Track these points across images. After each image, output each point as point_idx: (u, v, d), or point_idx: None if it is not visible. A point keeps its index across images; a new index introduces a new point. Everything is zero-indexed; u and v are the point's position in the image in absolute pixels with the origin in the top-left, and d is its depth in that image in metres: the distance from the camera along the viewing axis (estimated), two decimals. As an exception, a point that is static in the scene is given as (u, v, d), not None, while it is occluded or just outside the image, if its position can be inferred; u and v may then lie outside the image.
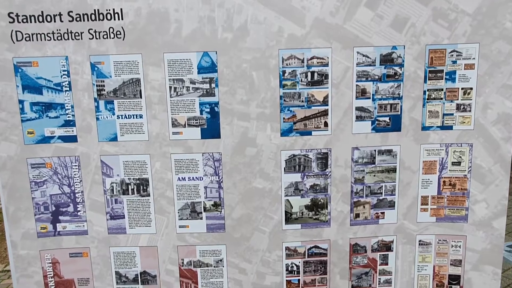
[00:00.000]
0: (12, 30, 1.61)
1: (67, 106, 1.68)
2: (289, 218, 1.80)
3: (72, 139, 1.71)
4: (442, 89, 1.71)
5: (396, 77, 1.69)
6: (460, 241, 1.82)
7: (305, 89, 1.69)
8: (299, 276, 1.85)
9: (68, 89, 1.67)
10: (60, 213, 1.78)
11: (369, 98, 1.71)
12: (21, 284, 1.81)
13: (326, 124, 1.72)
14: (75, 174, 1.75)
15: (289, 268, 1.84)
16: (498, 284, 1.82)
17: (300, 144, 1.73)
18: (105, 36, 1.62)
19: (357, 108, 1.71)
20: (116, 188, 1.76)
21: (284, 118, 1.71)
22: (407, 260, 1.86)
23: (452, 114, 1.73)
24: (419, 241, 1.84)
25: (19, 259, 1.78)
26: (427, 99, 1.72)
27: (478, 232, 1.80)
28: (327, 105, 1.70)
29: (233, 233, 1.80)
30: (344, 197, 1.79)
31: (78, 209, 1.78)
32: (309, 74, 1.67)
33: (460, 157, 1.76)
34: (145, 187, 1.76)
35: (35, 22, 1.60)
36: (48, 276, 1.82)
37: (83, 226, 1.79)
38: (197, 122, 1.70)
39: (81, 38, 1.62)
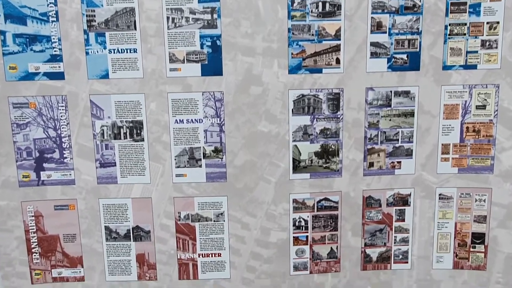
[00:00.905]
0: (-6, -49, 1.46)
1: (53, 38, 1.52)
2: (297, 166, 1.63)
3: (59, 76, 1.55)
4: (466, 24, 1.56)
5: (415, 9, 1.54)
6: (485, 194, 1.66)
7: (315, 21, 1.53)
8: (307, 232, 1.68)
9: (55, 19, 1.51)
10: (44, 160, 1.61)
11: (385, 32, 1.55)
12: (0, 240, 1.63)
13: (338, 61, 1.56)
14: (61, 116, 1.58)
15: (297, 223, 1.67)
16: (527, 241, 1.66)
17: (309, 83, 1.58)
18: (96, -40, 1.48)
19: (372, 44, 1.56)
20: (106, 132, 1.60)
21: (292, 54, 1.55)
22: (425, 216, 1.70)
23: (477, 52, 1.57)
24: (439, 194, 1.68)
25: (-2, 210, 1.62)
26: (449, 34, 1.56)
27: (505, 184, 1.63)
28: (340, 39, 1.55)
29: (236, 183, 1.63)
30: (357, 144, 1.63)
31: (65, 155, 1.61)
32: (320, 4, 1.52)
33: (485, 99, 1.60)
34: (138, 131, 1.60)
35: None
36: (30, 231, 1.65)
37: (70, 175, 1.62)
38: (197, 57, 1.54)
39: (70, -38, 1.48)
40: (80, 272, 1.69)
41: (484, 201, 1.67)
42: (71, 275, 1.69)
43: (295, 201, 1.66)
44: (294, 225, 1.68)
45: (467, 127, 1.63)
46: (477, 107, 1.61)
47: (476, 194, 1.67)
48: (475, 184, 1.66)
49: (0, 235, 1.63)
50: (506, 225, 1.66)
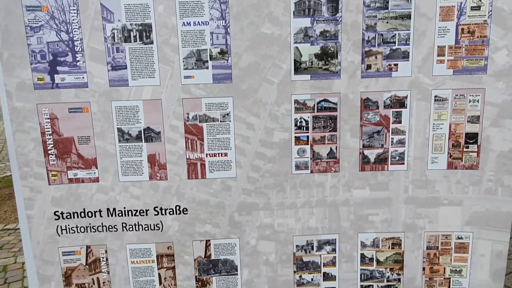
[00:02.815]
0: None
1: None
2: (298, 67, 1.71)
3: (70, -21, 1.62)
4: None
5: None
6: (479, 94, 1.74)
7: None
8: (308, 132, 1.77)
9: None
10: (58, 63, 1.69)
11: None
12: (17, 140, 1.72)
13: (338, -38, 1.63)
14: (73, 20, 1.65)
15: (298, 123, 1.76)
16: (517, 137, 1.74)
17: (310, -16, 1.64)
18: None
19: None
20: (117, 35, 1.67)
21: (293, -46, 1.61)
22: (421, 118, 1.78)
23: (472, -48, 1.63)
24: (435, 96, 1.76)
25: (14, 111, 1.70)
26: None
27: (498, 83, 1.71)
28: None
29: (240, 84, 1.71)
30: (355, 46, 1.70)
31: (77, 58, 1.69)
32: None
33: (480, 0, 1.67)
34: (148, 34, 1.67)
35: None
36: (46, 133, 1.74)
37: (83, 78, 1.70)
38: (201, -41, 1.61)
39: None
40: (94, 173, 1.79)
41: (478, 101, 1.74)
42: (86, 176, 1.79)
43: (296, 102, 1.74)
44: (295, 125, 1.76)
45: (462, 29, 1.70)
46: (472, 8, 1.67)
47: (470, 95, 1.75)
48: (469, 85, 1.74)
49: (17, 136, 1.72)
50: (499, 124, 1.74)
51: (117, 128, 1.75)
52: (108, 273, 1.87)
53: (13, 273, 4.79)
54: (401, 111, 1.77)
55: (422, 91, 1.75)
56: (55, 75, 1.70)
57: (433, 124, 1.78)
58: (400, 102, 1.77)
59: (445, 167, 1.82)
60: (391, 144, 1.80)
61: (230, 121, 1.75)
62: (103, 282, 1.88)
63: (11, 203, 7.19)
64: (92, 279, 1.87)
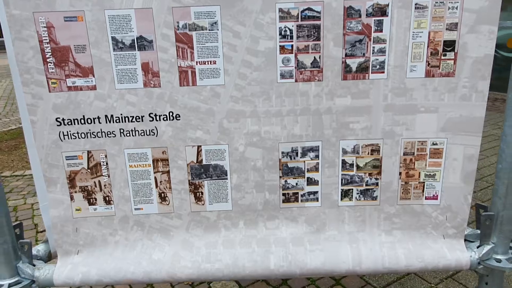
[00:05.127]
0: None
1: None
2: (283, -25, 1.77)
3: None
4: None
5: None
6: (458, 1, 1.79)
7: None
8: (292, 41, 1.86)
9: None
10: (51, -29, 1.76)
11: None
12: (16, 48, 1.82)
13: None
14: None
15: (282, 32, 1.84)
16: (493, 43, 1.82)
17: None
18: None
19: None
20: None
21: None
22: (402, 26, 1.85)
23: None
24: (415, 4, 1.81)
25: (12, 19, 1.78)
26: None
27: (476, -11, 1.77)
28: None
29: (227, -8, 1.78)
30: (339, -48, 1.75)
31: (69, -33, 1.75)
32: None
33: None
34: None
35: None
36: (43, 41, 1.83)
37: (76, -14, 1.78)
38: None
39: None
40: (92, 81, 1.90)
41: (457, 8, 1.80)
42: (84, 84, 1.90)
43: (280, 10, 1.81)
44: (280, 34, 1.84)
45: None
46: None
47: (449, 2, 1.80)
48: (448, -8, 1.79)
49: (17, 43, 1.81)
50: (475, 30, 1.81)
51: (111, 37, 1.84)
52: (109, 176, 2.03)
53: (23, 212, 5.08)
54: (383, 19, 1.84)
55: (403, -2, 1.81)
56: (49, -16, 1.77)
57: (413, 32, 1.85)
58: (381, 11, 1.83)
59: (423, 75, 1.91)
60: (372, 53, 1.89)
61: (218, 29, 1.83)
62: (104, 185, 2.05)
63: (17, 153, 7.44)
64: (94, 182, 2.04)
